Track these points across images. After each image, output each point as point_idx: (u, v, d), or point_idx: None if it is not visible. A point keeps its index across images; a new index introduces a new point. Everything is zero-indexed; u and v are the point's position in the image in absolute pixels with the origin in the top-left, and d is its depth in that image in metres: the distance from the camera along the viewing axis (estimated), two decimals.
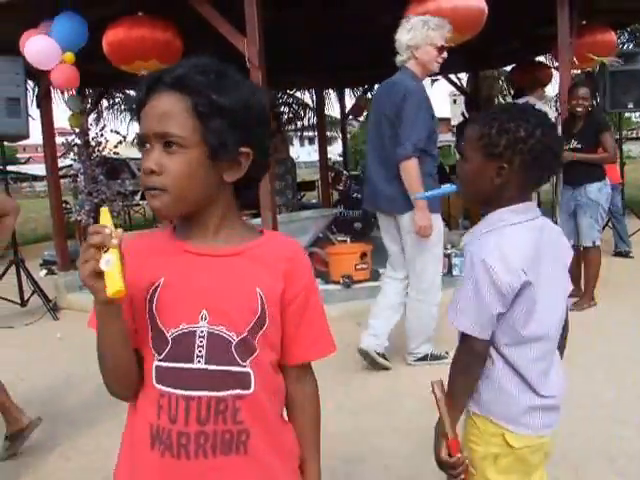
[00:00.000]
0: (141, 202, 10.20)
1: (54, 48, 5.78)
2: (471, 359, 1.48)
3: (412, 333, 4.02)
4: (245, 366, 1.13)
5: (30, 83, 7.81)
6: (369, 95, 11.99)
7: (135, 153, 15.65)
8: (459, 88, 11.97)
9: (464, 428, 1.60)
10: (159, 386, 1.14)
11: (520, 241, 1.45)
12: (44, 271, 8.38)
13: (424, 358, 4.00)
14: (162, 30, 5.66)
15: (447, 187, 1.94)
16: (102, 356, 1.14)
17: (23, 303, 6.50)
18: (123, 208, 8.75)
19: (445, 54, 3.79)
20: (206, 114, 1.07)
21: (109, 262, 1.01)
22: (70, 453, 3.26)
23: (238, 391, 1.13)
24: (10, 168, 22.08)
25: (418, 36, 3.70)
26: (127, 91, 12.41)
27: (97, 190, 8.01)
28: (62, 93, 10.24)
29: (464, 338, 1.48)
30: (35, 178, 36.41)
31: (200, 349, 1.12)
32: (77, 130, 8.15)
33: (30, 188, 34.31)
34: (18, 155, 46.62)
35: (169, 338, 1.13)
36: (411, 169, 3.64)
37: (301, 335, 1.21)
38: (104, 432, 3.47)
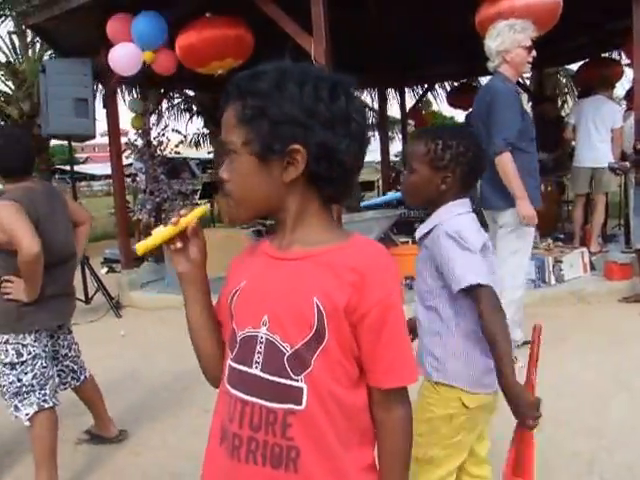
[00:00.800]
0: (200, 201, 10.28)
1: (135, 54, 5.91)
2: (497, 302, 1.68)
3: None
4: (298, 380, 1.08)
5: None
6: (430, 95, 11.82)
7: (194, 153, 15.91)
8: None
9: (420, 394, 1.85)
10: (227, 384, 1.17)
11: (469, 221, 1.81)
12: (105, 269, 8.56)
13: None
14: (233, 27, 5.67)
15: (391, 194, 2.41)
16: (191, 336, 1.25)
17: (87, 300, 6.63)
18: (184, 207, 8.81)
19: (534, 52, 3.89)
20: (249, 118, 1.07)
21: (157, 231, 1.16)
22: (139, 449, 3.29)
23: (290, 405, 1.08)
24: (68, 168, 22.84)
25: (507, 41, 3.83)
26: (186, 91, 12.57)
27: (158, 189, 8.10)
28: (123, 94, 10.48)
29: (478, 294, 1.66)
30: (93, 177, 37.35)
31: (258, 355, 1.12)
32: (139, 131, 8.27)
33: (88, 187, 35.18)
34: (76, 155, 48.06)
35: (238, 339, 1.15)
36: (504, 163, 3.75)
37: (379, 357, 1.10)
38: (170, 429, 3.50)
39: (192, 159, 14.30)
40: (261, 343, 1.11)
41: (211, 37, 5.62)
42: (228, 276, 1.22)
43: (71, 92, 6.27)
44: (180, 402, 3.90)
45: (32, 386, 2.75)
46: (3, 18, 11.49)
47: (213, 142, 13.17)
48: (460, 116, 15.58)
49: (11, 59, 11.52)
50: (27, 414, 2.73)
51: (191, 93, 12.85)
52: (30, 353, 2.75)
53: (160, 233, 1.16)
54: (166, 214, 8.10)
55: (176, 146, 8.95)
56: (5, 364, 2.74)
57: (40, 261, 2.58)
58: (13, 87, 11.49)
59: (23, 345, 2.74)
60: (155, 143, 8.33)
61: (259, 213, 1.16)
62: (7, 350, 2.73)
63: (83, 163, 45.23)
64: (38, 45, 11.49)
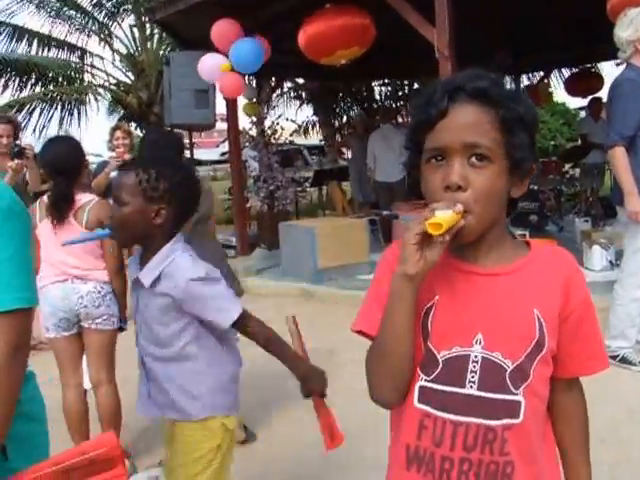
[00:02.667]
0: (309, 189, 10.40)
1: (215, 65, 6.06)
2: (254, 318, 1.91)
3: (609, 323, 3.85)
4: (517, 394, 1.08)
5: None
6: (546, 81, 11.32)
7: (303, 140, 16.06)
8: None
9: (179, 440, 1.85)
10: (422, 406, 1.11)
11: (194, 256, 1.78)
12: None
13: (614, 357, 3.73)
14: (357, 16, 5.65)
15: (99, 232, 2.29)
16: (385, 343, 1.12)
17: None
18: (295, 195, 8.95)
19: None
20: (512, 127, 1.03)
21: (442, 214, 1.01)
22: (272, 440, 3.33)
23: (507, 420, 1.07)
24: None
25: None
26: (297, 80, 12.71)
27: (272, 177, 8.24)
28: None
29: (243, 319, 1.79)
30: (199, 163, 38.63)
31: (473, 374, 1.08)
32: (253, 119, 8.43)
33: (196, 173, 36.48)
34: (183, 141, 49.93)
35: (440, 360, 1.10)
36: (615, 158, 3.61)
37: (576, 350, 1.14)
38: (297, 420, 3.53)
39: (306, 147, 14.43)
40: (475, 362, 1.08)
41: (339, 25, 5.60)
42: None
43: (192, 83, 6.48)
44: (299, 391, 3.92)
45: None
46: (125, 13, 12.05)
47: (323, 129, 13.25)
48: (577, 103, 14.91)
49: (131, 51, 12.08)
50: None
51: (300, 81, 13.00)
52: None
53: (452, 217, 1.01)
54: (279, 202, 8.23)
55: (291, 135, 9.07)
56: None
57: None
58: (132, 77, 12.07)
59: None
60: (269, 132, 8.47)
61: (488, 229, 1.08)
62: None
63: (189, 149, 46.88)
64: (156, 37, 11.98)
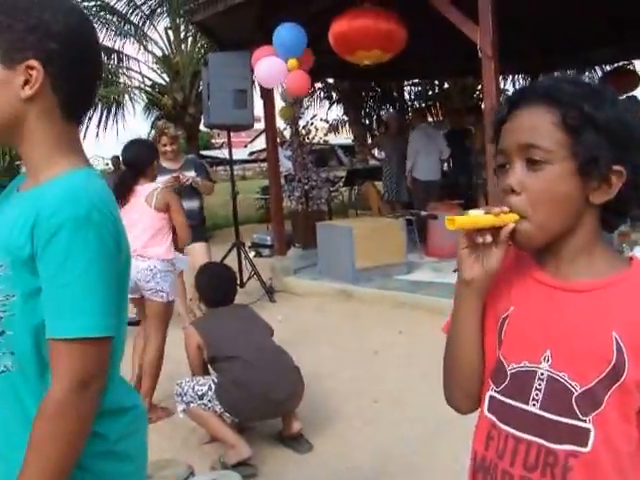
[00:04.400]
0: (341, 189, 10.43)
1: (280, 68, 6.07)
2: None
3: None
4: (585, 421, 1.00)
5: None
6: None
7: (334, 139, 16.09)
8: None
9: None
10: (491, 416, 1.10)
11: None
12: (252, 253, 8.86)
13: None
14: (385, 20, 5.64)
15: None
16: (450, 348, 1.14)
17: (242, 284, 6.89)
18: (329, 195, 8.98)
19: None
20: (576, 126, 0.97)
21: (474, 213, 1.02)
22: (310, 438, 3.30)
23: (573, 447, 1.01)
24: (206, 153, 23.96)
25: None
26: (327, 80, 12.74)
27: (307, 177, 8.29)
28: None
29: None
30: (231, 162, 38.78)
31: (537, 392, 1.04)
32: (288, 120, 8.48)
33: (225, 171, 36.63)
34: (212, 140, 50.21)
35: (508, 372, 1.08)
36: None
37: None
38: (339, 419, 3.52)
39: (340, 147, 14.47)
40: (541, 380, 1.04)
41: (362, 27, 5.60)
42: (491, 289, 1.10)
43: (231, 84, 6.52)
44: (347, 392, 3.90)
45: None
46: (160, 15, 12.21)
47: (353, 128, 13.27)
48: None
49: (166, 52, 12.24)
50: None
51: (330, 81, 13.02)
52: None
53: (479, 217, 1.00)
54: (313, 201, 8.26)
55: (325, 135, 9.11)
56: None
57: None
58: (167, 79, 12.22)
59: None
60: (303, 132, 8.51)
61: (555, 237, 1.03)
62: None
63: (219, 148, 47.12)
64: (190, 39, 12.11)
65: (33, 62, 1.05)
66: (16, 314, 1.07)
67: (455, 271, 1.15)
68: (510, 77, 12.01)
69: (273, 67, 6.09)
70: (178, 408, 3.13)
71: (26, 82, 1.06)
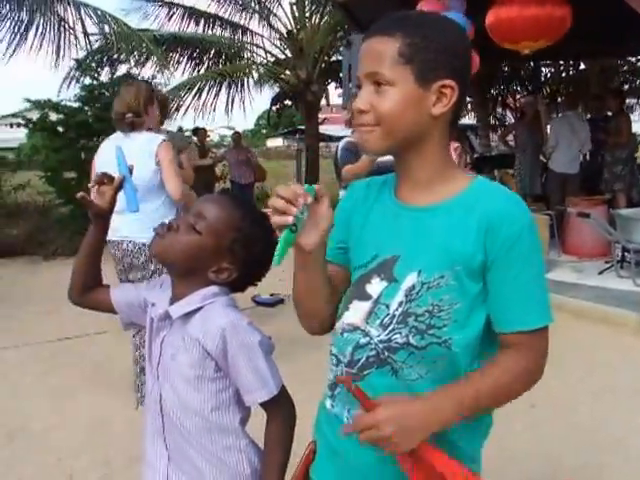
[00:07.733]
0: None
1: None
2: None
3: None
4: None
5: None
6: None
7: (463, 121, 15.57)
8: None
9: None
10: None
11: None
12: None
13: None
14: (558, 7, 5.22)
15: None
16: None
17: None
18: None
19: None
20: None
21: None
22: None
23: None
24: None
25: None
26: None
27: None
28: None
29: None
30: (330, 138, 38.85)
31: None
32: None
33: (327, 149, 36.67)
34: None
35: None
36: None
37: None
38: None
39: (469, 127, 13.92)
40: None
41: (531, 15, 5.20)
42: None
43: None
44: None
45: None
46: None
47: (477, 110, 12.73)
48: None
49: (290, 28, 12.17)
50: None
51: None
52: None
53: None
54: None
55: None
56: None
57: None
58: (291, 55, 12.16)
59: None
60: None
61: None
62: None
63: (321, 124, 47.27)
64: (315, 16, 12.00)
65: (450, 82, 1.12)
66: (458, 320, 1.14)
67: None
68: None
69: None
70: None
71: (437, 100, 1.13)
